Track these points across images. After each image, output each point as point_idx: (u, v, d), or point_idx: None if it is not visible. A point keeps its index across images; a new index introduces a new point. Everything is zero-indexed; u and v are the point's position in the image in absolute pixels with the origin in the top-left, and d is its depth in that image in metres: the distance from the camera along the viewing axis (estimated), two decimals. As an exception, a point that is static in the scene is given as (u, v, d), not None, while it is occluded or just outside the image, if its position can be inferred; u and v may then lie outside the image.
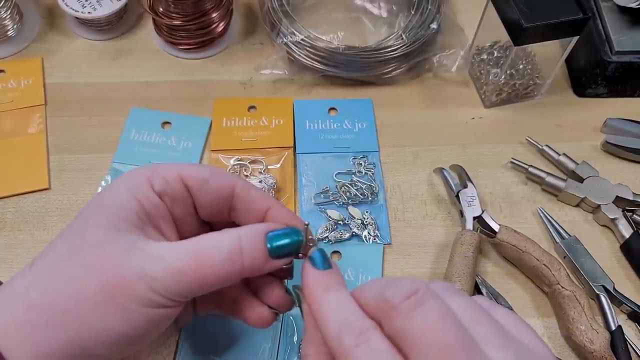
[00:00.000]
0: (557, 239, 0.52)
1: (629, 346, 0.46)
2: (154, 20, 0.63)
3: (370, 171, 0.56)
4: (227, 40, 0.65)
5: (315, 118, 0.59)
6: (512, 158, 0.56)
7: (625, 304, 0.48)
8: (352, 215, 0.53)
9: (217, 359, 0.45)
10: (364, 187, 0.54)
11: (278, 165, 0.56)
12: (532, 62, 0.60)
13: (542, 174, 0.55)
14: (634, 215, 0.53)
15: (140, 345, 0.34)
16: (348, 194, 0.54)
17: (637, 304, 0.48)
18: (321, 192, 0.54)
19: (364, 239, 0.51)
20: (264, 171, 0.55)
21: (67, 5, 0.61)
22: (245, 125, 0.58)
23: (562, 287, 0.47)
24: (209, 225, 0.39)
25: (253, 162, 0.56)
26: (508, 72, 0.59)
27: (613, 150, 0.58)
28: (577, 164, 0.56)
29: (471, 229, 0.51)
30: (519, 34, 0.52)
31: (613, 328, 0.47)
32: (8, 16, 0.61)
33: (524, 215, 0.54)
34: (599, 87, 0.61)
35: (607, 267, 0.50)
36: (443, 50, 0.61)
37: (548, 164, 0.58)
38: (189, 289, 0.32)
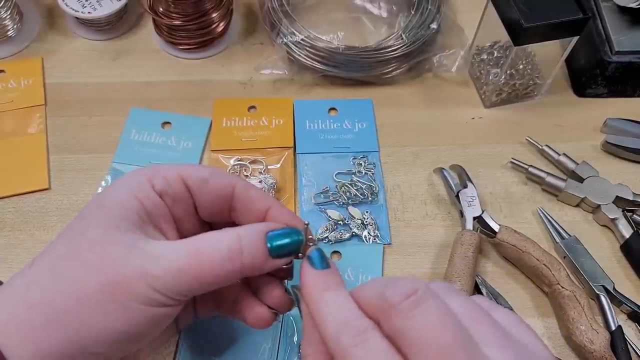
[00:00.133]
0: (557, 239, 0.52)
1: (629, 346, 0.46)
2: (154, 20, 0.63)
3: (370, 171, 0.56)
4: (227, 40, 0.65)
5: (315, 118, 0.59)
6: (512, 158, 0.56)
7: (625, 304, 0.48)
8: (352, 215, 0.53)
9: (217, 359, 0.45)
10: (364, 187, 0.54)
11: (278, 165, 0.56)
12: (532, 62, 0.60)
13: (542, 174, 0.55)
14: (634, 215, 0.53)
15: (140, 344, 0.34)
16: (348, 194, 0.54)
17: (637, 304, 0.48)
18: (321, 192, 0.54)
19: (364, 239, 0.51)
20: (264, 171, 0.55)
21: (67, 5, 0.61)
22: (245, 125, 0.58)
23: (562, 287, 0.47)
24: (209, 226, 0.39)
25: (253, 162, 0.56)
26: (508, 72, 0.59)
27: (613, 150, 0.58)
28: (577, 164, 0.56)
29: (471, 229, 0.51)
30: (519, 34, 0.52)
31: (613, 328, 0.47)
32: (8, 16, 0.61)
33: (524, 215, 0.54)
34: (599, 87, 0.61)
35: (607, 267, 0.50)
36: (443, 50, 0.61)
37: (548, 164, 0.57)
38: (189, 288, 0.32)
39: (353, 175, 0.55)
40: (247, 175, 0.55)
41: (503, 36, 0.55)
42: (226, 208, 0.37)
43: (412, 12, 0.62)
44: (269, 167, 0.55)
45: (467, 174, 0.54)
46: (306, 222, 0.36)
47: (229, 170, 0.55)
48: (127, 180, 0.35)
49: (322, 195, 0.54)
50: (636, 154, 0.57)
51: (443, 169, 0.55)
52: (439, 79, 0.63)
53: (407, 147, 0.58)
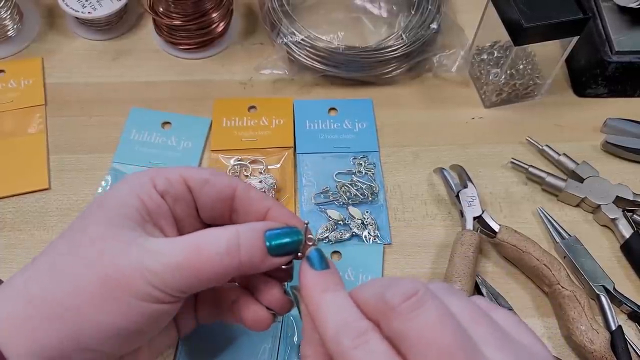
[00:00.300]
0: (557, 239, 0.52)
1: (629, 346, 0.46)
2: (154, 20, 0.63)
3: (370, 171, 0.56)
4: (227, 40, 0.65)
5: (315, 118, 0.59)
6: (512, 158, 0.56)
7: (625, 304, 0.48)
8: (352, 215, 0.53)
9: (217, 359, 0.45)
10: (364, 187, 0.54)
11: (278, 165, 0.56)
12: (532, 62, 0.60)
13: (542, 174, 0.55)
14: (634, 215, 0.53)
15: (138, 341, 0.34)
16: (348, 194, 0.54)
17: (637, 304, 0.48)
18: (321, 192, 0.54)
19: (364, 239, 0.51)
20: (264, 171, 0.55)
21: (67, 5, 0.61)
22: (245, 125, 0.58)
23: (562, 287, 0.47)
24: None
25: (253, 162, 0.56)
26: (508, 72, 0.59)
27: (613, 150, 0.58)
28: (577, 164, 0.56)
29: (471, 229, 0.51)
30: (519, 34, 0.52)
31: (613, 328, 0.47)
32: (8, 16, 0.61)
33: (524, 215, 0.54)
34: (599, 87, 0.61)
35: (607, 267, 0.50)
36: (443, 50, 0.61)
37: (548, 164, 0.57)
38: (187, 284, 0.32)
39: (353, 175, 0.55)
40: (247, 175, 0.55)
41: (503, 36, 0.55)
42: (227, 209, 0.37)
43: (412, 12, 0.62)
44: (269, 167, 0.55)
45: (467, 174, 0.54)
46: (306, 222, 0.36)
47: (229, 170, 0.55)
48: (129, 180, 0.35)
49: (322, 195, 0.54)
50: (636, 154, 0.57)
51: (443, 169, 0.55)
52: (439, 79, 0.63)
53: (407, 147, 0.58)
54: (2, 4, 0.60)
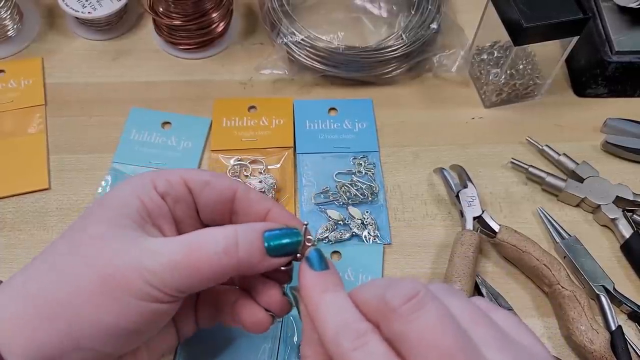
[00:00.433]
0: (557, 239, 0.52)
1: (629, 346, 0.46)
2: (154, 20, 0.63)
3: (370, 171, 0.56)
4: (227, 40, 0.65)
5: (315, 118, 0.59)
6: (512, 158, 0.56)
7: (625, 304, 0.48)
8: (352, 215, 0.53)
9: (217, 359, 0.45)
10: (364, 187, 0.54)
11: (278, 166, 0.56)
12: (532, 62, 0.60)
13: (542, 174, 0.55)
14: (634, 215, 0.53)
15: (137, 341, 0.34)
16: (348, 194, 0.54)
17: (637, 304, 0.48)
18: (321, 192, 0.54)
19: (364, 239, 0.52)
20: (264, 171, 0.55)
21: (67, 5, 0.61)
22: (245, 125, 0.58)
23: (562, 287, 0.47)
24: None
25: (253, 162, 0.56)
26: (508, 72, 0.59)
27: (613, 150, 0.58)
28: (577, 164, 0.56)
29: (471, 229, 0.51)
30: (519, 34, 0.52)
31: (613, 328, 0.47)
32: (8, 16, 0.61)
33: (524, 215, 0.54)
34: (599, 87, 0.61)
35: (607, 267, 0.50)
36: (443, 50, 0.61)
37: (548, 164, 0.57)
38: (185, 283, 0.32)
39: (353, 175, 0.55)
40: (247, 175, 0.55)
41: (503, 36, 0.55)
42: (227, 211, 0.37)
43: (412, 12, 0.62)
44: (269, 167, 0.55)
45: (467, 174, 0.54)
46: (305, 222, 0.36)
47: (229, 170, 0.55)
48: (130, 182, 0.36)
49: (322, 195, 0.54)
50: (636, 154, 0.57)
51: (443, 169, 0.55)
52: (439, 79, 0.63)
53: (407, 147, 0.58)
54: (2, 4, 0.60)
